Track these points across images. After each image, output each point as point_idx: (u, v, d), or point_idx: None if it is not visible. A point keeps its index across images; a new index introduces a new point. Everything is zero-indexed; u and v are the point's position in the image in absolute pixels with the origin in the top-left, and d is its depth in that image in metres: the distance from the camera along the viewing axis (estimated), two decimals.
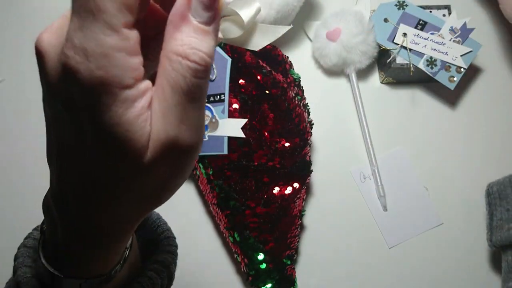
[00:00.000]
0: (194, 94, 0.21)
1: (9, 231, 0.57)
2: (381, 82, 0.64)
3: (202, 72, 0.20)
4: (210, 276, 0.57)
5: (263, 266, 0.53)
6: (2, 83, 0.63)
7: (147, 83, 0.21)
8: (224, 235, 0.56)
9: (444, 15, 0.63)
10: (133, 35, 0.20)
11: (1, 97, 0.63)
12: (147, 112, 0.20)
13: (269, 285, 0.53)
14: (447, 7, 0.63)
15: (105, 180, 0.22)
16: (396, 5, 0.62)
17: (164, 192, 0.24)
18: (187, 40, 0.20)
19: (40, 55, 0.21)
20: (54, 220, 0.26)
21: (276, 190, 0.54)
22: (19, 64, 0.64)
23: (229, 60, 0.58)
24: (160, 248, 0.35)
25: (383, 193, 0.59)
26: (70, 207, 0.24)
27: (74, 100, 0.20)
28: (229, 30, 0.58)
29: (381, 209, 0.59)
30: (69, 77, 0.19)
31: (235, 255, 0.55)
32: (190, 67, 0.20)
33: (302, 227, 0.58)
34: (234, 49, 0.59)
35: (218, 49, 0.59)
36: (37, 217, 0.58)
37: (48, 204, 0.26)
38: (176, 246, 0.37)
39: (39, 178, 0.60)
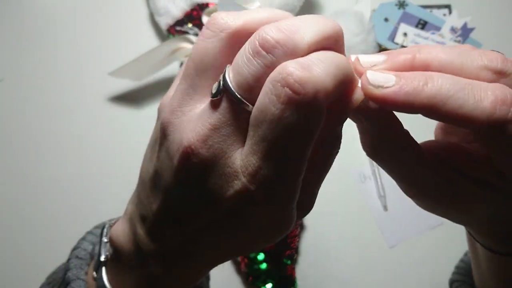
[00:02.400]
0: None
1: (4, 232, 0.57)
2: None
3: None
4: (210, 276, 0.57)
5: (263, 266, 0.53)
6: (1, 83, 0.63)
7: None
8: None
9: (444, 15, 0.62)
10: None
11: (1, 97, 0.63)
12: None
13: (269, 285, 0.53)
14: (448, 7, 0.63)
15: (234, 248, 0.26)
16: (396, 4, 0.62)
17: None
18: None
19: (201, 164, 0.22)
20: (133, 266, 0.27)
21: None
22: (19, 64, 0.64)
23: None
24: None
25: (383, 193, 0.59)
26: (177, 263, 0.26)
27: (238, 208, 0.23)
28: None
29: (381, 209, 0.59)
30: (245, 199, 0.22)
31: None
32: None
33: (302, 227, 0.58)
34: None
35: None
36: (37, 215, 0.58)
37: (131, 249, 0.27)
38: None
39: (38, 178, 0.60)
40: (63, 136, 0.61)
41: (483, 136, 0.22)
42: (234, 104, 0.21)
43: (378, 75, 0.21)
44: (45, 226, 0.57)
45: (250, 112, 0.20)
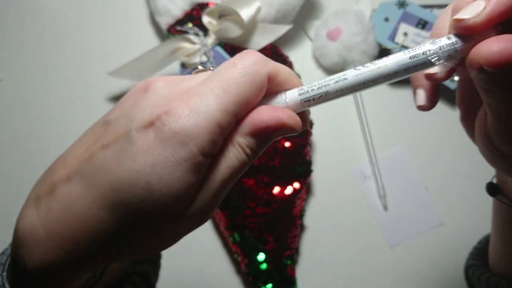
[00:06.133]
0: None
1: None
2: None
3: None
4: (210, 276, 0.57)
5: (264, 266, 0.53)
6: (2, 83, 0.63)
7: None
8: (224, 235, 0.56)
9: None
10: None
11: (1, 97, 0.63)
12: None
13: (270, 285, 0.53)
14: None
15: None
16: (396, 4, 0.62)
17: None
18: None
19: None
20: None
21: (277, 190, 0.54)
22: (19, 64, 0.64)
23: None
24: None
25: (383, 193, 0.59)
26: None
27: None
28: (229, 30, 0.58)
29: (381, 209, 0.59)
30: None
31: (235, 255, 0.55)
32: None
33: (302, 227, 0.58)
34: (234, 49, 0.59)
35: (218, 48, 0.59)
36: None
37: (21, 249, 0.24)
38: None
39: (38, 178, 0.60)
40: (63, 136, 0.61)
41: None
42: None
43: (466, 10, 0.20)
44: None
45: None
